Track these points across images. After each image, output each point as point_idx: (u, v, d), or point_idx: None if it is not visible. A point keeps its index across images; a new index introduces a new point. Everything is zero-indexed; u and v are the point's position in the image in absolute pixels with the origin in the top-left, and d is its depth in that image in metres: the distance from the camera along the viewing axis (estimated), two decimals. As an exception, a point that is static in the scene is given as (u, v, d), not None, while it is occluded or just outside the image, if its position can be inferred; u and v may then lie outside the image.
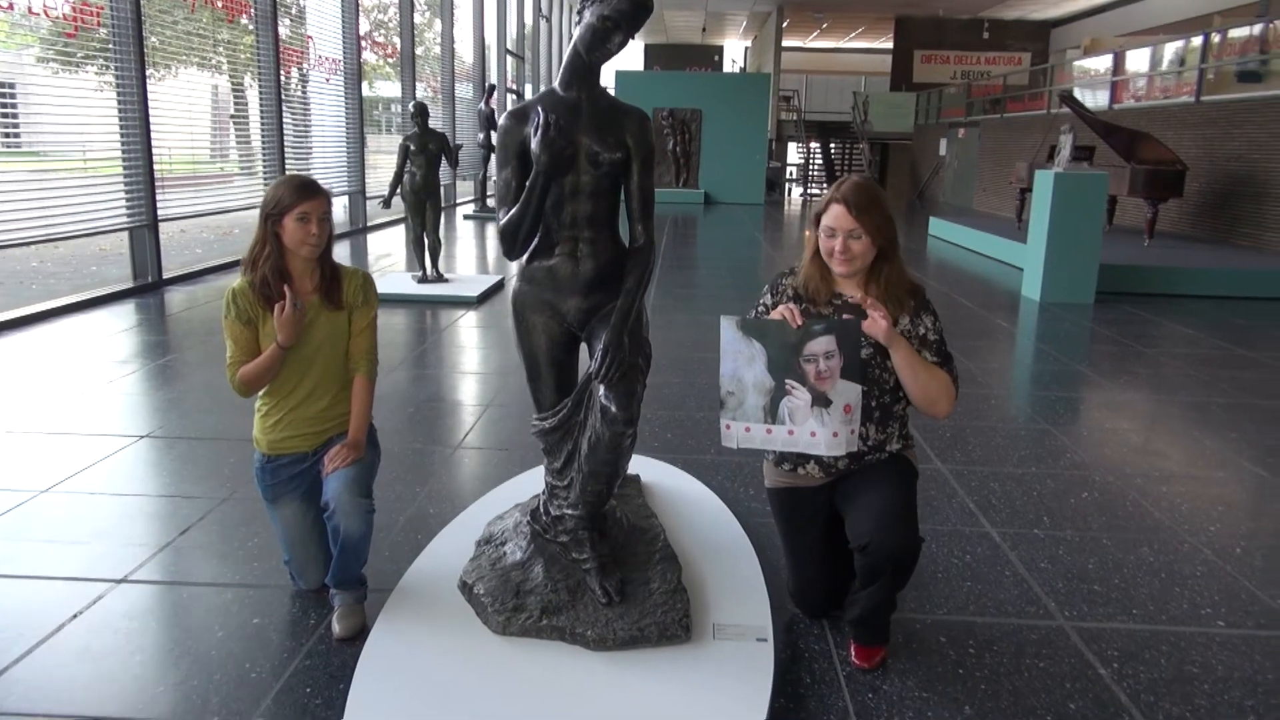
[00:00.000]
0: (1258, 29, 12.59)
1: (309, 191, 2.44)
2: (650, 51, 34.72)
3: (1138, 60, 15.45)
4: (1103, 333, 7.26)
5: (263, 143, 10.57)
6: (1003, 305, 8.62)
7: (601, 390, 2.36)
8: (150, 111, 7.98)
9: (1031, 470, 4.02)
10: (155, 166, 8.17)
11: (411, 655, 2.35)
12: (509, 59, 21.77)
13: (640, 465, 3.65)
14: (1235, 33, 13.29)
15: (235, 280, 2.54)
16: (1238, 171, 11.40)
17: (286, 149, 10.79)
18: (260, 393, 2.60)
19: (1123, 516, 3.54)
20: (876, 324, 2.26)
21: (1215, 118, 12.01)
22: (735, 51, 36.54)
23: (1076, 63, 18.94)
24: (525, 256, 2.56)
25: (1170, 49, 14.47)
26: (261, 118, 10.49)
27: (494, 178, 2.58)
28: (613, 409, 2.33)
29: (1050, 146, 12.22)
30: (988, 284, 10.07)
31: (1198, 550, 3.25)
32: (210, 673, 2.37)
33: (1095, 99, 15.46)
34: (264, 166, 10.61)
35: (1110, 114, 13.88)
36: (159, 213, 8.20)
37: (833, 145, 28.90)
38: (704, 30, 31.52)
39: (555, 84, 2.54)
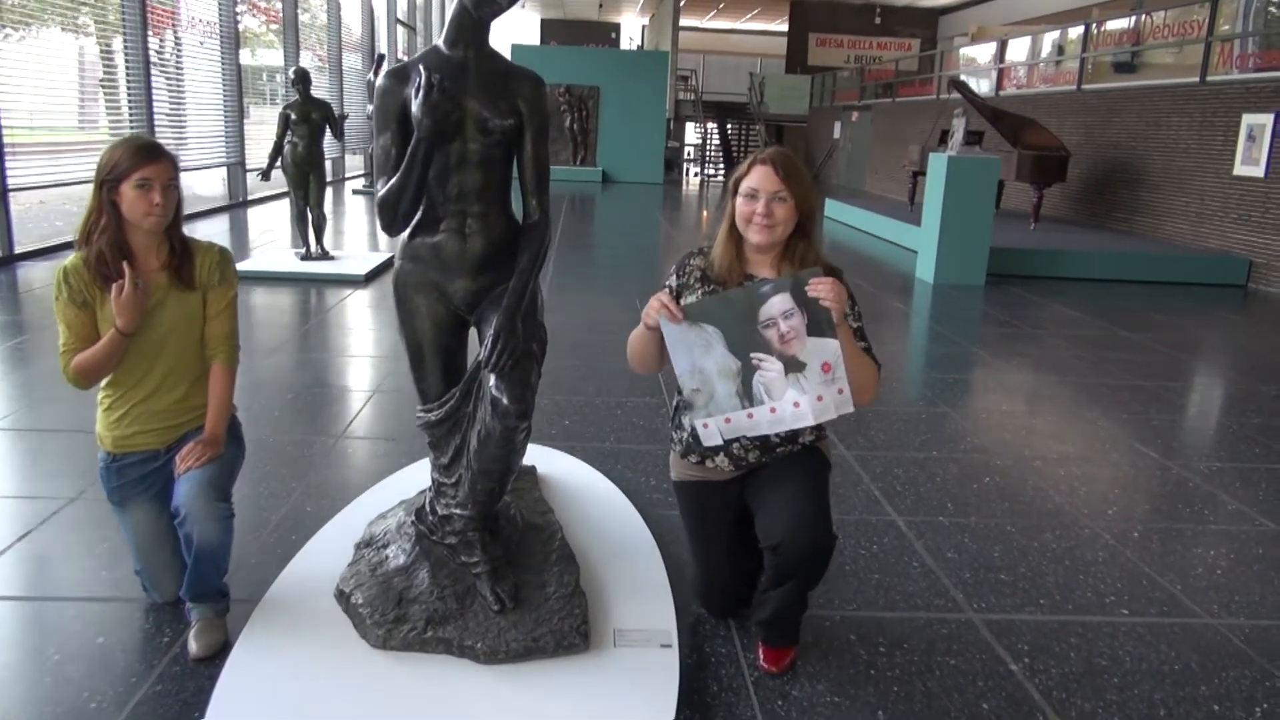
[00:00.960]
0: (1133, 21, 13.06)
1: (150, 154, 2.14)
2: (546, 26, 34.12)
3: (1022, 48, 15.89)
4: (994, 314, 7.37)
5: (129, 109, 9.85)
6: (897, 287, 8.69)
7: (492, 380, 2.15)
8: (-2, 72, 7.31)
9: (933, 455, 3.98)
10: (5, 132, 7.48)
11: (277, 676, 2.11)
12: (400, 29, 21.02)
13: (536, 455, 3.45)
14: (1112, 24, 13.76)
15: (68, 257, 2.22)
16: (1116, 158, 11.81)
17: (156, 116, 10.10)
18: (103, 383, 2.29)
19: (1024, 502, 3.52)
20: (832, 296, 2.01)
21: (1095, 106, 12.41)
22: (633, 29, 36.25)
23: (963, 50, 19.40)
24: (407, 232, 2.33)
25: (1053, 38, 14.92)
26: (128, 83, 9.77)
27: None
28: (504, 401, 2.12)
29: (942, 131, 12.45)
30: (882, 265, 10.17)
31: (1098, 535, 3.24)
32: (40, 705, 2.08)
33: (981, 85, 15.84)
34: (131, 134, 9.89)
35: (997, 100, 14.22)
36: (9, 182, 7.52)
37: (729, 126, 28.99)
38: (601, 6, 31.14)
39: (439, 42, 2.30)
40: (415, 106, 2.11)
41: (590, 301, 7.13)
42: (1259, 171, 9.26)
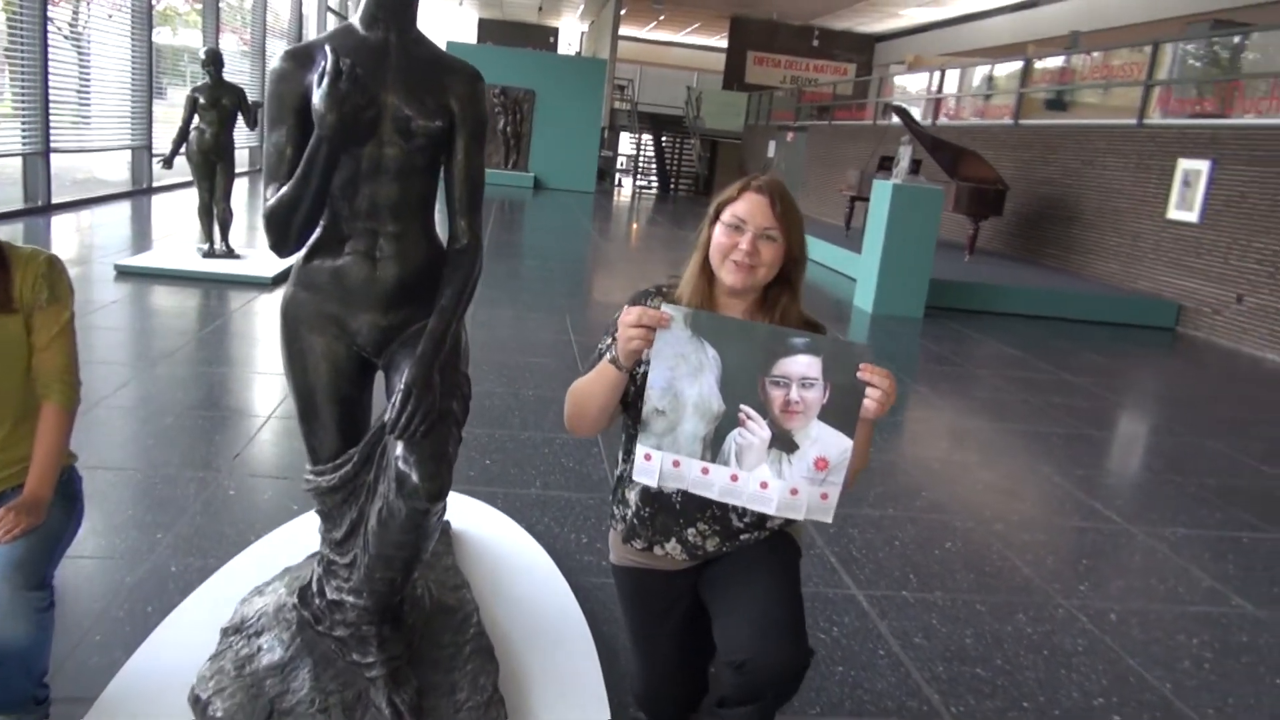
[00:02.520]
0: (1072, 59, 13.19)
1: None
2: (484, 26, 33.46)
3: (959, 79, 15.96)
4: (935, 350, 7.15)
5: (22, 84, 9.02)
6: (835, 316, 8.45)
7: (399, 449, 1.71)
8: None
9: (889, 512, 3.65)
10: None
11: (102, 821, 1.63)
12: (330, 17, 20.22)
13: (451, 507, 2.98)
14: (1050, 62, 13.90)
15: None
16: (1050, 195, 11.84)
17: (53, 92, 9.29)
18: (-107, 427, 1.78)
19: (991, 573, 3.21)
20: (884, 399, 1.63)
21: (1032, 141, 12.44)
22: (571, 34, 35.81)
23: (898, 78, 19.50)
24: (303, 253, 1.88)
25: (985, 72, 15.02)
26: (22, 54, 8.96)
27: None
28: (413, 478, 1.68)
29: (881, 156, 12.32)
30: (819, 292, 9.93)
31: (1074, 617, 2.94)
32: None
33: (914, 114, 15.86)
34: (24, 111, 9.07)
35: (934, 130, 14.21)
36: None
37: (665, 138, 28.75)
38: (540, 9, 30.64)
39: (355, 19, 1.86)
40: (317, 97, 1.67)
41: (518, 317, 6.67)
42: (1193, 217, 9.29)
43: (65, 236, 8.53)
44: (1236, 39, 10.79)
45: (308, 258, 1.87)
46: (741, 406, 1.64)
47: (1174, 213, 9.55)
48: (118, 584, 2.53)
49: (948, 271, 9.67)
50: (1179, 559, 3.50)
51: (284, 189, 1.73)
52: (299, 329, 1.89)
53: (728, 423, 1.65)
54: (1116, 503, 4.05)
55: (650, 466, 1.71)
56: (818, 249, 12.03)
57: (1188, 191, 9.37)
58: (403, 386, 1.71)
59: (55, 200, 9.63)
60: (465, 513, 3.01)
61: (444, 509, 1.79)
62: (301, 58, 1.78)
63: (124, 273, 6.68)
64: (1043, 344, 7.79)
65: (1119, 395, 6.24)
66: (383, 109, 1.78)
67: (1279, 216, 8.30)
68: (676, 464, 1.70)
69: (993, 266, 10.93)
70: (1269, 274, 8.37)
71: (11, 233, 8.27)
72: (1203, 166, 9.17)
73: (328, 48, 1.71)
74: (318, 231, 1.85)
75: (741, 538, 1.92)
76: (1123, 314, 9.36)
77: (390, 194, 1.83)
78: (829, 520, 1.69)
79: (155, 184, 12.13)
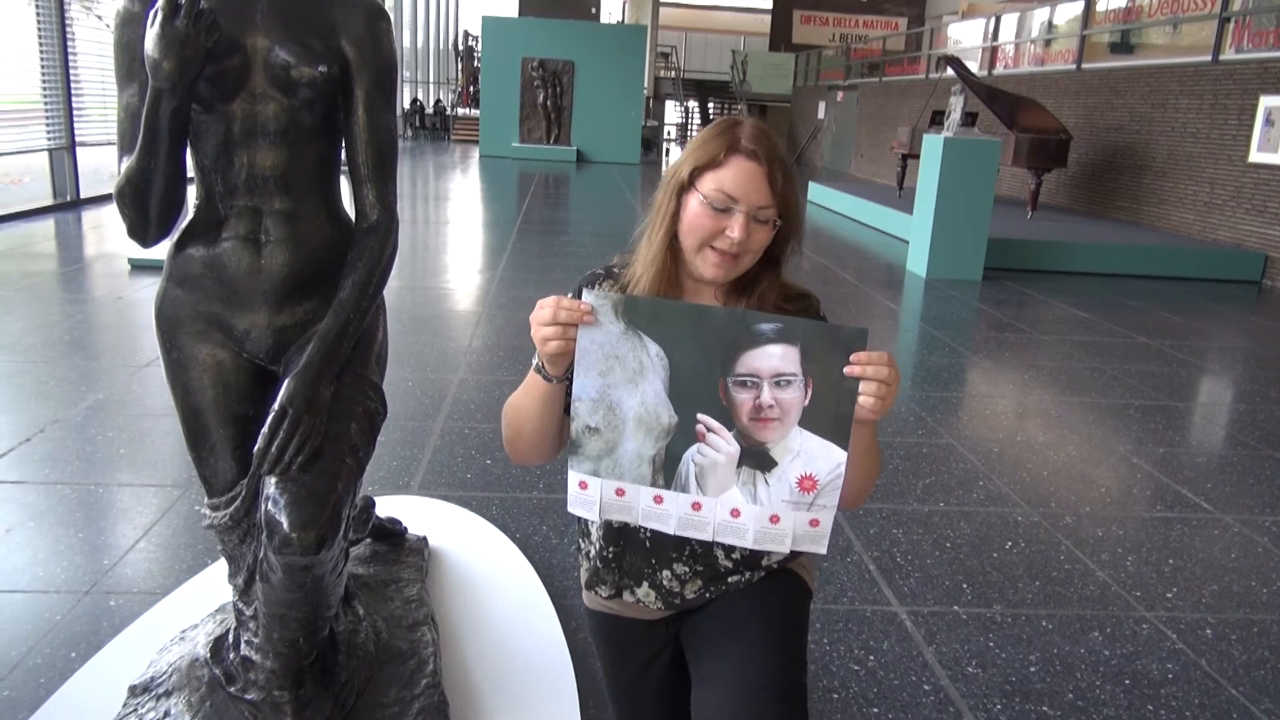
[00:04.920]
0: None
1: None
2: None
3: (1016, 25, 15.09)
4: (995, 316, 6.61)
5: (45, 78, 8.88)
6: (885, 280, 7.95)
7: (270, 487, 1.35)
8: None
9: (940, 507, 3.21)
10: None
11: None
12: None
13: (433, 518, 2.65)
14: (1114, 1, 13.00)
15: None
16: (1118, 143, 11.07)
17: (78, 85, 9.14)
18: None
19: (1060, 580, 2.76)
20: (882, 391, 1.23)
21: (1096, 86, 11.66)
22: (613, 4, 35.20)
23: (952, 27, 18.60)
24: (174, 240, 1.52)
25: (1043, 16, 14.14)
26: (42, 46, 8.81)
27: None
28: (283, 525, 1.32)
29: (933, 112, 11.67)
30: (870, 256, 9.40)
31: (1161, 634, 2.49)
32: None
33: (970, 65, 15.05)
34: (48, 106, 8.94)
35: (990, 79, 13.45)
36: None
37: (711, 105, 28.11)
38: (581, -21, 30.12)
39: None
40: (148, 40, 1.30)
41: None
42: (1277, 159, 8.53)
43: (94, 231, 8.40)
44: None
45: (179, 246, 1.52)
46: (699, 416, 1.22)
47: (1257, 155, 8.79)
48: (47, 623, 2.24)
49: (1008, 229, 9.06)
50: (1283, 554, 3.01)
51: (130, 160, 1.37)
52: (176, 335, 1.54)
53: (682, 438, 1.23)
54: (1206, 486, 3.55)
55: (587, 496, 1.30)
56: (867, 210, 11.52)
57: (1271, 131, 8.60)
58: (276, 406, 1.35)
59: (85, 195, 9.50)
60: (448, 525, 2.66)
61: (337, 562, 1.43)
62: (150, -4, 1.42)
63: (138, 267, 6.47)
64: (1114, 304, 7.18)
65: (1201, 359, 5.67)
66: (251, 54, 1.41)
67: (1378, 154, 7.54)
68: (620, 492, 1.29)
69: (1057, 222, 10.26)
70: (1367, 218, 7.63)
71: (43, 229, 8.17)
72: (1289, 103, 8.40)
73: (168, -24, 1.34)
74: (190, 212, 1.50)
75: (730, 580, 1.52)
76: (1202, 268, 8.66)
77: (274, 162, 1.47)
78: (823, 551, 1.27)
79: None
